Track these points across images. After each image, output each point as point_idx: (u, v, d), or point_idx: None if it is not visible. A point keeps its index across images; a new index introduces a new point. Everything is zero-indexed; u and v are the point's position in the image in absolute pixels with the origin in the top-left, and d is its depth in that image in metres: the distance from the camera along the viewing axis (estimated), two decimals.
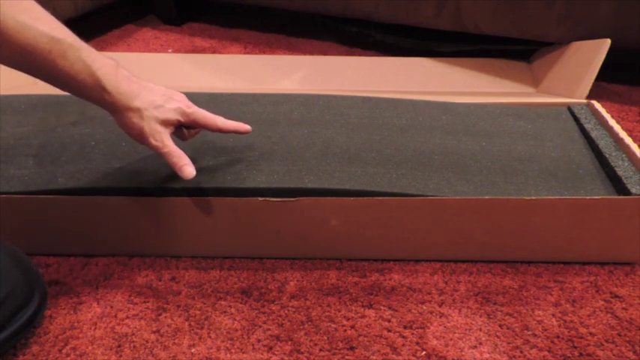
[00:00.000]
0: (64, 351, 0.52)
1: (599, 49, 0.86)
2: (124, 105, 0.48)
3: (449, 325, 0.56)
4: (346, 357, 0.52)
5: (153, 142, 0.51)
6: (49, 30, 0.43)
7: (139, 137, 0.51)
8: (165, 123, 0.51)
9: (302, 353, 0.52)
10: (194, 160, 0.62)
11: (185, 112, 0.53)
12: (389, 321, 0.56)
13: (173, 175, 0.59)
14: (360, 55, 1.18)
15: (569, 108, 0.77)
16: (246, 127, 0.58)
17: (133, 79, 0.50)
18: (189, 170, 0.52)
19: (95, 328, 0.55)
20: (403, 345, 0.53)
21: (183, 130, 0.56)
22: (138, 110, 0.49)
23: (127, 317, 0.56)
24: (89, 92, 0.47)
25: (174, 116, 0.52)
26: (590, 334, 0.55)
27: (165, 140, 0.51)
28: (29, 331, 0.53)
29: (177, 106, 0.52)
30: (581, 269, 0.62)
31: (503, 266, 0.63)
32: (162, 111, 0.51)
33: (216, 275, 0.61)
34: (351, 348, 0.53)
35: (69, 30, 0.45)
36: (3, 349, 0.50)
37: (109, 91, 0.47)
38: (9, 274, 0.49)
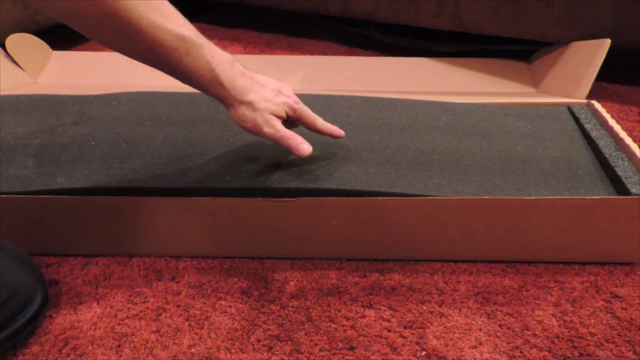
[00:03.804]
0: (64, 351, 0.52)
1: (599, 49, 0.86)
2: (238, 99, 0.52)
3: (449, 325, 0.56)
4: (346, 357, 0.52)
5: (267, 130, 0.53)
6: (175, 28, 0.46)
7: (253, 128, 0.53)
8: (274, 114, 0.54)
9: (302, 353, 0.52)
10: (193, 159, 0.62)
11: (292, 107, 0.56)
12: (389, 321, 0.56)
13: (173, 175, 0.59)
14: (360, 55, 1.18)
15: (569, 108, 0.77)
16: (341, 132, 0.60)
17: (247, 74, 0.53)
18: (305, 148, 0.55)
19: (95, 328, 0.55)
20: (403, 345, 0.53)
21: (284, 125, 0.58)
22: (250, 104, 0.52)
23: (127, 317, 0.56)
24: (208, 86, 0.50)
25: (282, 109, 0.54)
26: (590, 334, 0.55)
27: (277, 126, 0.54)
28: (31, 329, 0.53)
29: (285, 100, 0.55)
30: (581, 269, 0.62)
31: (503, 266, 0.63)
32: (272, 104, 0.53)
33: (216, 275, 0.61)
34: (351, 348, 0.53)
35: (193, 27, 0.48)
36: (5, 346, 0.50)
37: (226, 86, 0.50)
38: (13, 273, 0.50)
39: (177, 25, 0.46)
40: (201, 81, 0.50)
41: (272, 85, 0.55)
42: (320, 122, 0.59)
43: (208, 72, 0.49)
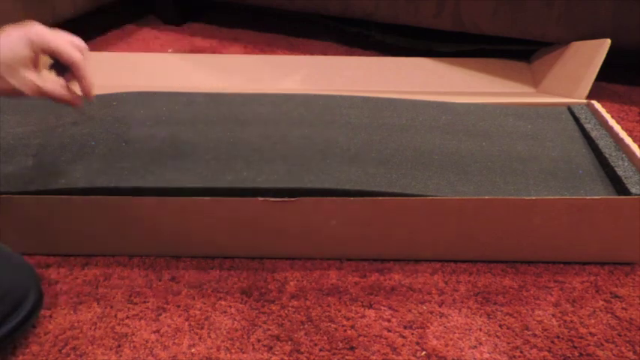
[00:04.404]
0: (64, 351, 0.52)
1: (599, 49, 0.86)
2: None
3: (449, 325, 0.56)
4: (346, 357, 0.52)
5: (13, 81, 0.45)
6: None
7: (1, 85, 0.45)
8: (18, 62, 0.45)
9: (302, 353, 0.52)
10: (193, 159, 0.62)
11: (34, 43, 0.46)
12: (389, 321, 0.56)
13: (173, 175, 0.59)
14: (360, 55, 1.18)
15: (569, 108, 0.77)
16: (92, 97, 0.52)
17: None
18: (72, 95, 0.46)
19: (95, 328, 0.55)
20: (403, 345, 0.53)
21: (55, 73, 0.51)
22: None
23: (127, 317, 0.56)
24: None
25: (22, 49, 0.46)
26: (590, 334, 0.55)
27: (26, 74, 0.45)
28: (24, 331, 0.53)
29: (24, 40, 0.46)
30: (581, 269, 0.62)
31: (503, 266, 0.63)
32: (8, 49, 0.45)
33: (216, 275, 0.61)
34: (351, 348, 0.53)
35: None
36: None
37: None
38: (4, 274, 0.49)
39: None
40: None
41: (13, 31, 0.45)
42: (79, 66, 0.48)
43: None
